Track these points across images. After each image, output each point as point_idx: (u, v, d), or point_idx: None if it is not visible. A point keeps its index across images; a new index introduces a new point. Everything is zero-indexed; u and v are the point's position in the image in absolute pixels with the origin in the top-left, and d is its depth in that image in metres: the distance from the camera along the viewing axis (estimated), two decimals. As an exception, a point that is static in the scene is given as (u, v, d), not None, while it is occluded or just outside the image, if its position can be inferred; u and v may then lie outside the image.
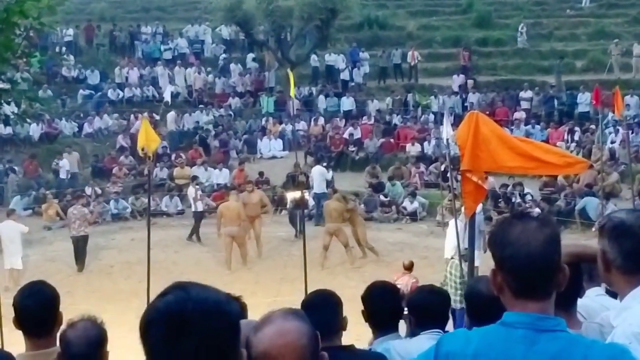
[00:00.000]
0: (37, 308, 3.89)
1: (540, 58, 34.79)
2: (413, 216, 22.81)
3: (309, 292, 5.20)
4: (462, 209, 10.12)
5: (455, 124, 16.36)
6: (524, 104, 29.66)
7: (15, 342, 4.21)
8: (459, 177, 9.20)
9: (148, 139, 13.90)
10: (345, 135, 28.52)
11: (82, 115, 30.50)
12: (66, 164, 25.87)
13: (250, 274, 17.98)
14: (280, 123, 30.45)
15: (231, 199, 19.90)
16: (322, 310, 3.97)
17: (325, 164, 24.00)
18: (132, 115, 30.16)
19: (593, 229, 19.11)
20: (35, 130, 28.46)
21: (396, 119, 30.11)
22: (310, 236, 16.28)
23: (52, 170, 26.28)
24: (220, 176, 25.71)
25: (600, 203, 18.98)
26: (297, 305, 4.63)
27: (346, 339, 4.15)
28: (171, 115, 29.99)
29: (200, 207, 21.51)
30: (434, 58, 35.65)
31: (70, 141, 28.57)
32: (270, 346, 2.36)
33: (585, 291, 3.81)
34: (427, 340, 4.13)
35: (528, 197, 21.68)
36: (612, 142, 25.38)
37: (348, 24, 37.79)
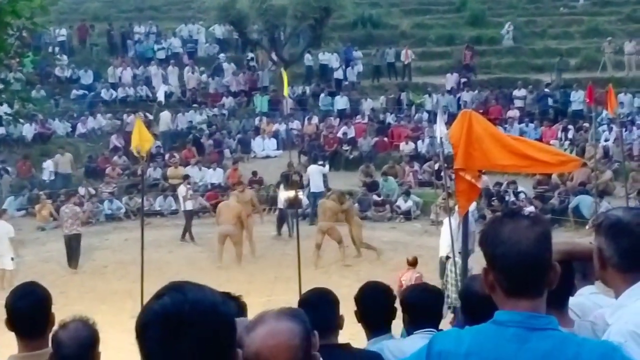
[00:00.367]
0: (29, 309, 3.87)
1: (534, 56, 34.84)
2: (407, 215, 22.83)
3: (303, 291, 5.19)
4: (456, 207, 10.13)
5: (449, 123, 16.34)
6: (518, 103, 29.72)
7: (8, 343, 4.19)
8: (453, 176, 9.20)
9: (142, 139, 13.89)
10: (339, 135, 28.53)
11: (75, 115, 30.44)
12: (50, 165, 25.83)
13: (244, 273, 17.95)
14: (274, 122, 30.45)
15: (232, 199, 19.91)
16: (319, 308, 3.96)
17: (321, 163, 24.02)
18: (125, 115, 30.11)
19: (587, 227, 19.17)
20: (28, 130, 28.41)
21: (390, 118, 30.13)
22: (304, 236, 16.26)
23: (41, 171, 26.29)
24: (214, 176, 25.71)
25: (594, 201, 19.01)
26: (292, 304, 4.62)
27: (341, 337, 4.15)
28: (165, 115, 29.96)
29: (190, 206, 21.48)
30: (428, 57, 35.67)
31: (64, 141, 28.54)
32: (262, 346, 2.35)
33: (579, 289, 3.81)
34: (420, 339, 4.12)
35: (522, 196, 21.70)
36: (606, 140, 25.42)
37: (342, 22, 37.80)
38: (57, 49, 34.72)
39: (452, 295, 12.41)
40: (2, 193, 24.82)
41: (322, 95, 32.06)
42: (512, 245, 2.50)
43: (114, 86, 32.63)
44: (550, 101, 29.56)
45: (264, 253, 19.87)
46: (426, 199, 22.99)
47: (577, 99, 28.38)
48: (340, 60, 34.12)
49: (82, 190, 24.16)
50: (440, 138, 13.58)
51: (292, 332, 2.39)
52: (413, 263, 13.68)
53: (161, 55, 35.06)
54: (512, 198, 21.77)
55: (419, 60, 34.74)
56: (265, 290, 15.99)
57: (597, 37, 34.73)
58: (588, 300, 3.72)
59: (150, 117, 29.50)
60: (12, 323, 3.90)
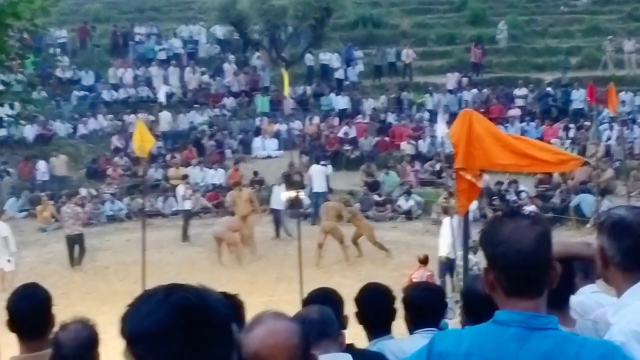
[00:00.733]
0: (29, 311, 3.88)
1: (535, 55, 34.81)
2: (408, 215, 22.83)
3: (304, 291, 5.20)
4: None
5: (450, 122, 16.37)
6: (519, 101, 29.70)
7: (9, 344, 4.19)
8: (454, 175, 9.20)
9: (143, 140, 13.92)
10: (340, 134, 28.52)
11: (76, 116, 30.44)
12: (42, 167, 25.82)
13: (246, 273, 17.95)
14: (275, 123, 30.45)
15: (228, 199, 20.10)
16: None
17: (324, 163, 24.02)
18: (126, 116, 30.11)
19: (588, 225, 19.15)
20: (29, 132, 28.42)
21: (391, 118, 30.12)
22: (306, 236, 16.26)
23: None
24: (216, 176, 25.74)
25: (595, 200, 19.01)
26: (294, 304, 4.63)
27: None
28: (165, 115, 29.98)
29: (188, 205, 21.51)
30: (429, 56, 35.63)
31: (65, 142, 28.55)
32: (261, 346, 2.36)
33: (580, 288, 3.81)
34: (421, 339, 4.12)
35: (523, 195, 21.69)
36: (607, 139, 25.41)
37: (342, 22, 37.77)
38: (58, 50, 34.70)
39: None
40: (4, 194, 24.84)
41: (323, 95, 32.05)
42: (513, 244, 2.50)
43: (115, 87, 32.64)
44: (551, 100, 29.56)
45: (265, 253, 19.88)
46: (427, 198, 22.99)
47: (578, 97, 28.37)
48: (341, 60, 34.10)
49: (83, 192, 24.16)
50: (441, 137, 13.62)
51: (290, 331, 2.40)
52: (424, 261, 13.80)
53: (162, 56, 35.02)
54: (514, 197, 21.77)
55: (419, 60, 34.71)
56: (267, 291, 16.00)
57: (597, 36, 34.70)
58: (589, 299, 3.71)
59: (152, 117, 29.50)
60: (13, 324, 3.91)
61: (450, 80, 32.05)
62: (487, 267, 2.57)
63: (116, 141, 28.54)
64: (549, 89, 30.02)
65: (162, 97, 31.64)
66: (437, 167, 24.28)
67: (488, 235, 2.58)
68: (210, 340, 1.98)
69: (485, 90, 30.84)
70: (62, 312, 4.02)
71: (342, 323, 4.06)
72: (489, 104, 29.66)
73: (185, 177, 22.91)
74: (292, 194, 18.82)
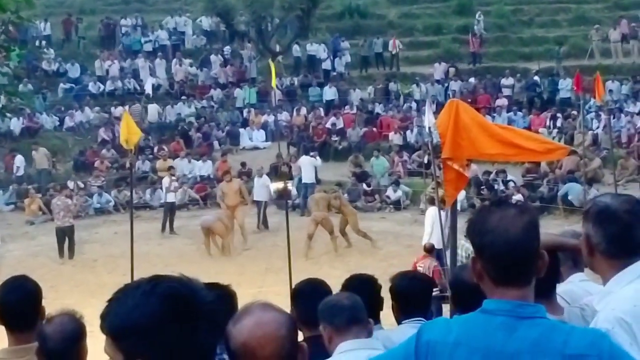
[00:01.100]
0: (19, 303, 3.87)
1: (522, 45, 34.85)
2: (397, 205, 22.85)
3: (293, 282, 5.21)
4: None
5: (438, 112, 16.36)
6: (506, 91, 29.75)
7: (-2, 337, 4.18)
8: (442, 165, 9.20)
9: (130, 132, 13.86)
10: (328, 125, 28.49)
11: (63, 109, 30.29)
12: (19, 161, 25.68)
13: (235, 265, 17.94)
14: (263, 114, 30.40)
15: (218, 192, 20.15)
16: (312, 299, 4.01)
17: (313, 154, 24.00)
18: (113, 108, 30.01)
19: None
20: (16, 124, 28.27)
21: (378, 108, 30.11)
22: (295, 227, 16.25)
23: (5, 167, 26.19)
24: (203, 168, 25.69)
25: (583, 189, 19.06)
26: (283, 295, 4.62)
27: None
28: (152, 107, 29.88)
29: (171, 197, 21.46)
30: (416, 46, 35.64)
31: (52, 135, 28.43)
32: (249, 337, 2.36)
33: (569, 277, 3.83)
34: (409, 328, 4.13)
35: (511, 184, 21.74)
36: (595, 128, 25.47)
37: (329, 13, 37.73)
38: (43, 42, 34.50)
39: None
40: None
41: (310, 86, 32.01)
42: (500, 233, 2.50)
43: (102, 79, 32.48)
44: (537, 89, 29.62)
45: (254, 244, 19.88)
46: (415, 188, 23.01)
47: (565, 87, 28.43)
48: (328, 51, 34.04)
49: (70, 184, 24.06)
50: (429, 128, 13.59)
51: (278, 322, 2.40)
52: (430, 250, 13.43)
53: (148, 47, 34.87)
54: (502, 187, 21.81)
55: (406, 50, 34.71)
56: (256, 282, 15.99)
57: (584, 25, 34.76)
58: (578, 288, 3.74)
59: (142, 108, 29.49)
60: (2, 317, 3.89)
61: (438, 70, 32.05)
62: (475, 256, 2.57)
63: (103, 133, 28.42)
64: (536, 77, 30.07)
65: (148, 89, 31.53)
66: (425, 158, 24.30)
67: (475, 224, 2.58)
68: (199, 329, 1.97)
69: (472, 80, 30.86)
70: (51, 305, 4.01)
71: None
72: (476, 93, 29.69)
73: (170, 168, 22.85)
74: (280, 185, 18.80)
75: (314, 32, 35.68)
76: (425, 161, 22.75)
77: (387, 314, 4.75)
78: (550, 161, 21.22)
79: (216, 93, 32.27)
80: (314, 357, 3.30)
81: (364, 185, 23.62)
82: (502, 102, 28.64)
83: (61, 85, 32.10)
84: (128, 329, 1.96)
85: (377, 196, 23.32)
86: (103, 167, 26.09)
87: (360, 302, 3.74)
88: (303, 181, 22.65)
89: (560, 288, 3.53)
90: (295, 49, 34.13)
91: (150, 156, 26.68)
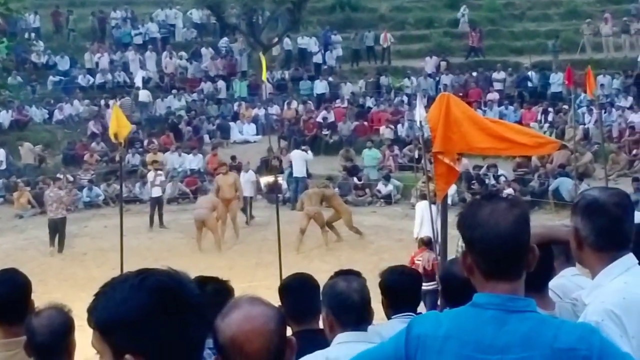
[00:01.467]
0: (8, 296, 3.85)
1: (513, 39, 34.86)
2: (387, 199, 22.85)
3: (284, 276, 5.18)
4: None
5: (429, 106, 16.35)
6: (497, 85, 29.77)
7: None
8: (432, 159, 9.19)
9: (119, 126, 13.82)
10: (319, 119, 28.47)
11: (52, 101, 30.17)
12: (1, 154, 25.56)
13: (225, 259, 17.91)
14: (253, 107, 30.35)
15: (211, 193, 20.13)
16: (300, 293, 4.07)
17: (304, 148, 23.98)
18: (102, 101, 29.92)
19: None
20: (5, 117, 28.17)
21: (370, 102, 30.12)
22: (285, 221, 16.24)
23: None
24: (194, 161, 25.63)
25: (574, 183, 19.08)
26: (273, 289, 4.60)
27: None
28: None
29: (156, 192, 21.36)
30: (407, 40, 35.62)
31: (41, 128, 28.32)
32: (237, 332, 2.34)
33: (561, 271, 3.82)
34: (399, 323, 4.11)
35: (502, 179, 21.76)
36: (586, 122, 25.50)
37: (320, 6, 37.67)
38: (33, 35, 34.34)
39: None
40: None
41: (301, 79, 31.97)
42: (491, 227, 2.50)
43: (91, 72, 32.35)
44: (529, 83, 29.66)
45: (244, 238, 19.85)
46: (406, 182, 23.01)
47: (557, 81, 28.46)
48: (319, 44, 34.00)
49: (61, 177, 23.97)
50: (420, 122, 13.57)
51: (267, 316, 2.38)
52: (428, 243, 13.29)
53: (138, 40, 34.74)
54: (493, 181, 21.83)
55: (398, 44, 34.69)
56: (246, 276, 15.95)
57: (575, 19, 34.80)
58: (569, 282, 3.75)
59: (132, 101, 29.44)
60: (-9, 310, 3.87)
61: (429, 64, 32.04)
62: (465, 250, 2.56)
63: (93, 127, 28.32)
64: (531, 73, 30.05)
65: (139, 82, 31.42)
66: (416, 152, 24.30)
67: (466, 218, 2.58)
68: (188, 322, 1.96)
69: (458, 75, 30.91)
70: (40, 299, 4.00)
71: (319, 308, 4.04)
72: (467, 87, 29.71)
73: (154, 162, 22.75)
74: (270, 178, 18.78)
75: (305, 25, 35.62)
76: (416, 155, 22.72)
77: (377, 308, 4.73)
78: (541, 155, 21.25)
79: (206, 86, 32.18)
80: (302, 352, 3.29)
81: (355, 179, 23.62)
82: (494, 96, 28.67)
83: (50, 77, 31.97)
84: (116, 323, 1.94)
85: (367, 190, 23.31)
86: (92, 161, 26.02)
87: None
88: (294, 175, 22.65)
89: (552, 282, 3.53)
90: (286, 42, 34.07)
91: (140, 149, 26.60)
